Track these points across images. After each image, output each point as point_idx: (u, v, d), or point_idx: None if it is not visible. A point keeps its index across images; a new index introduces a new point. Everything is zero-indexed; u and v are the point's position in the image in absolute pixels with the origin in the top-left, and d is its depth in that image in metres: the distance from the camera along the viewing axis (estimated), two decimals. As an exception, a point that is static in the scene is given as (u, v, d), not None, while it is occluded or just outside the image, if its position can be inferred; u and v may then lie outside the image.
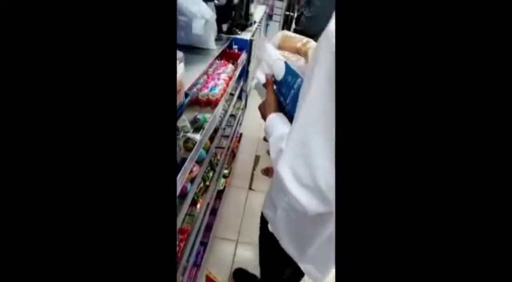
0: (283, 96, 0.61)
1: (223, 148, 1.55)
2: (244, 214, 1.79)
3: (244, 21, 1.86)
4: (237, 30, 1.79)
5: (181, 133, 0.97)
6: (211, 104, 1.16)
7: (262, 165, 2.22)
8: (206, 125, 1.01)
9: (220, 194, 1.67)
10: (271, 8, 3.46)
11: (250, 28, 1.92)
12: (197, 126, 1.00)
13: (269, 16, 3.60)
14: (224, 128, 1.64)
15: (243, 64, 1.69)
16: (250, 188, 1.98)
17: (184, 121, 0.96)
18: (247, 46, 1.72)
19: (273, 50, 0.69)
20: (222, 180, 1.72)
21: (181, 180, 0.80)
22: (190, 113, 1.08)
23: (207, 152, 1.13)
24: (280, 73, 0.62)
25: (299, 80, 0.55)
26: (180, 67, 0.74)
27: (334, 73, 0.33)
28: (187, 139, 0.89)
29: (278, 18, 3.66)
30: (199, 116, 1.02)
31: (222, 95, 1.18)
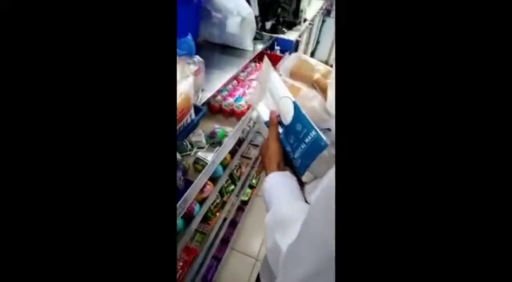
0: (291, 147, 0.46)
1: (250, 158, 1.42)
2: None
3: (293, 19, 1.68)
4: (283, 29, 1.62)
5: (194, 150, 0.87)
6: (235, 115, 1.03)
7: (296, 176, 2.04)
8: (225, 141, 0.89)
9: (243, 206, 1.56)
10: (331, 3, 3.14)
11: (298, 27, 1.73)
12: (214, 141, 0.89)
13: (327, 12, 3.29)
14: (253, 138, 1.51)
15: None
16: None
17: (199, 136, 0.86)
18: (291, 47, 1.54)
19: (278, 81, 0.51)
20: (248, 190, 1.61)
21: (183, 206, 0.70)
22: (208, 125, 0.98)
23: (225, 167, 1.02)
24: (287, 116, 0.47)
25: (312, 133, 0.42)
26: (188, 79, 0.62)
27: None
28: (197, 160, 0.79)
29: (337, 13, 3.32)
30: (218, 130, 0.90)
31: (249, 107, 1.04)
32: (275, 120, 0.49)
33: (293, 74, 0.57)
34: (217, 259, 1.31)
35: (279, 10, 1.55)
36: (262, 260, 0.71)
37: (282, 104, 0.48)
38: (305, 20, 1.80)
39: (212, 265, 1.27)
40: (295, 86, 0.54)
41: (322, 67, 0.56)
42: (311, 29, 2.18)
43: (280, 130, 0.49)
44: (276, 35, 1.50)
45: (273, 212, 0.42)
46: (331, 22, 3.38)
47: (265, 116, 0.51)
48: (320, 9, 2.51)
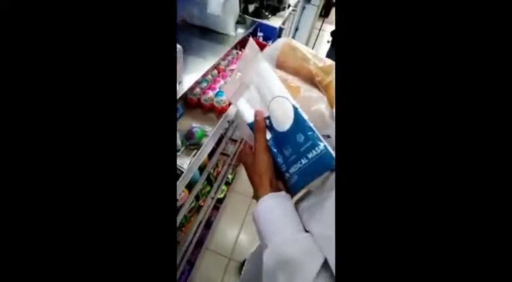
0: (285, 159, 0.38)
1: (228, 155, 1.32)
2: (243, 228, 1.59)
3: (277, 3, 1.54)
4: (266, 14, 1.48)
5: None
6: (215, 111, 0.91)
7: (272, 170, 1.98)
8: (204, 142, 0.77)
9: (219, 204, 1.47)
10: (311, -12, 3.02)
11: (282, 13, 1.61)
12: (191, 143, 0.77)
13: (307, -1, 3.17)
14: (232, 133, 1.40)
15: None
16: (254, 197, 1.76)
17: (173, 136, 0.73)
18: (274, 35, 1.43)
19: (271, 75, 0.40)
20: (224, 187, 1.52)
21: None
22: (184, 122, 0.85)
23: (202, 171, 0.90)
24: (283, 122, 0.37)
25: (320, 148, 0.35)
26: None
27: None
28: (171, 167, 0.67)
29: (317, 1, 3.22)
30: (196, 129, 0.78)
31: (231, 103, 0.92)
32: (263, 125, 0.39)
33: (281, 64, 0.46)
34: (190, 263, 1.22)
35: (264, -7, 1.41)
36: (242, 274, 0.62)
37: (276, 105, 0.38)
38: (288, 6, 1.68)
39: (184, 271, 1.18)
40: (292, 86, 0.43)
41: (317, 60, 0.46)
42: (294, 15, 2.07)
43: (268, 136, 0.39)
44: (259, 20, 1.37)
45: (274, 251, 0.34)
46: (310, 9, 3.28)
47: (248, 117, 0.40)
48: (302, -5, 2.40)
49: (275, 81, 0.39)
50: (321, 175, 0.35)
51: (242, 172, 1.87)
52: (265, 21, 1.41)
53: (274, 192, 0.37)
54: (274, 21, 1.48)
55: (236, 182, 1.76)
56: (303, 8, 3.23)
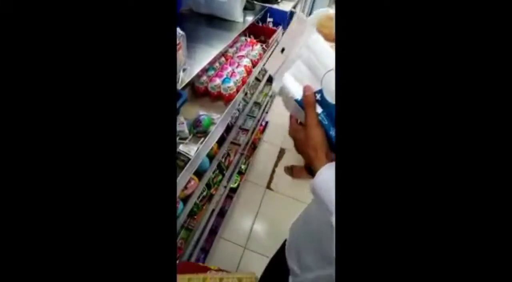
0: None
1: (239, 144, 1.31)
2: (257, 218, 1.59)
3: (287, -14, 1.48)
4: (276, -2, 1.43)
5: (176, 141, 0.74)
6: (223, 99, 0.90)
7: (286, 161, 1.95)
8: (212, 130, 0.77)
9: (232, 193, 1.47)
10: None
11: (293, -4, 1.54)
12: (198, 131, 0.77)
13: (322, -19, 3.04)
14: (242, 123, 1.39)
15: (277, 43, 1.37)
16: (268, 187, 1.76)
17: (181, 125, 0.73)
18: (285, 19, 1.38)
19: (326, 47, 0.39)
20: (237, 177, 1.52)
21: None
22: (192, 111, 0.84)
23: (212, 159, 0.90)
24: None
25: None
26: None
27: None
28: (178, 155, 0.66)
29: (331, -16, 3.07)
30: (203, 117, 0.77)
31: (238, 89, 0.91)
32: (313, 100, 0.39)
33: (324, 37, 0.44)
34: (205, 251, 1.24)
35: (273, -25, 1.35)
36: (287, 242, 0.64)
37: (330, 78, 0.38)
38: (300, -12, 1.61)
39: (199, 258, 1.20)
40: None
41: None
42: (305, 0, 1.99)
43: (319, 110, 0.39)
44: (268, 5, 1.32)
45: None
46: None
47: (296, 93, 0.40)
48: (315, -23, 2.29)
49: (328, 53, 0.38)
50: None
51: (255, 162, 1.86)
52: (274, 6, 1.36)
53: (330, 163, 0.39)
54: (285, 5, 1.42)
55: (250, 171, 1.76)
56: (317, -8, 3.10)
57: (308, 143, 0.40)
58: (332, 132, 0.38)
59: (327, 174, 0.38)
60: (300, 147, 0.43)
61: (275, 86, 0.43)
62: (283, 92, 0.42)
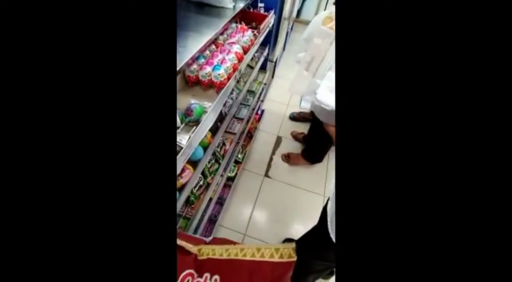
0: None
1: (234, 133, 1.31)
2: (256, 205, 1.61)
3: (277, -31, 1.44)
4: (266, -18, 1.39)
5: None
6: (214, 87, 0.89)
7: (283, 149, 1.96)
8: (203, 118, 0.77)
9: (229, 182, 1.49)
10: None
11: (284, -21, 1.50)
12: (190, 120, 0.76)
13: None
14: (237, 111, 1.38)
15: (269, 29, 1.34)
16: (266, 175, 1.77)
17: (171, 113, 0.72)
18: (276, 5, 1.35)
19: None
20: (234, 166, 1.53)
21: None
22: (183, 100, 0.84)
23: (206, 148, 0.90)
24: None
25: None
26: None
27: None
28: (169, 143, 0.67)
29: (325, -34, 2.99)
30: (194, 105, 0.77)
31: (230, 76, 0.90)
32: None
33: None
34: (205, 239, 1.27)
35: (262, -43, 1.31)
36: (329, 214, 0.65)
37: None
38: (291, -29, 1.57)
39: (199, 246, 1.22)
40: None
41: None
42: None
43: None
44: (259, -10, 1.29)
45: None
46: (319, -24, 3.06)
47: (333, 104, 0.41)
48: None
49: None
50: None
51: (253, 151, 1.87)
52: (265, -10, 1.33)
53: None
54: (275, -10, 1.39)
55: (247, 160, 1.77)
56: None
57: None
58: None
59: None
60: None
61: (305, 102, 0.44)
62: (316, 106, 0.43)
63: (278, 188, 1.72)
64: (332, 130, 0.47)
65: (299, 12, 3.31)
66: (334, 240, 0.62)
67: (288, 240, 1.44)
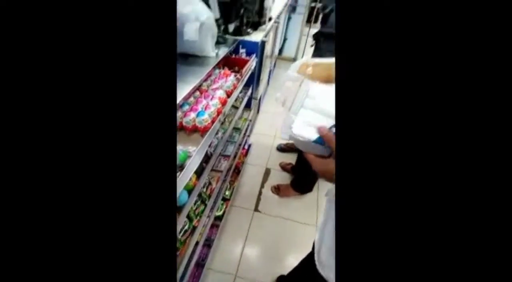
0: None
1: (221, 171, 1.32)
2: (247, 242, 1.57)
3: (257, 18, 1.58)
4: (248, 30, 1.52)
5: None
6: (199, 131, 0.93)
7: (272, 180, 1.97)
8: (188, 163, 0.79)
9: (217, 221, 1.46)
10: (295, -1, 3.10)
11: (263, 27, 1.64)
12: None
13: (293, 8, 3.24)
14: (223, 149, 1.41)
15: (251, 72, 1.44)
16: (256, 210, 1.75)
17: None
18: (257, 49, 1.46)
19: (325, 90, 0.45)
20: (221, 204, 1.51)
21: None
22: (168, 147, 0.86)
23: (190, 191, 0.91)
24: None
25: None
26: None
27: None
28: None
29: (302, 10, 3.29)
30: (178, 151, 0.79)
31: (214, 120, 0.94)
32: (331, 135, 0.44)
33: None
34: (192, 285, 1.21)
35: (242, 10, 1.44)
36: (316, 253, 0.64)
37: None
38: (270, 19, 1.72)
39: (186, 293, 1.16)
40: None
41: None
42: (277, 27, 2.11)
43: None
44: (240, 38, 1.40)
45: None
46: (297, 18, 3.34)
47: (312, 135, 0.45)
48: (285, 6, 2.45)
49: (328, 92, 0.44)
50: None
51: (241, 186, 1.87)
52: (246, 38, 1.44)
53: None
54: (256, 36, 1.51)
55: (235, 196, 1.76)
56: (289, 18, 3.29)
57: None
58: None
59: None
60: (328, 177, 0.47)
61: (284, 134, 0.48)
62: (295, 138, 0.48)
63: (269, 222, 1.69)
64: (309, 157, 0.51)
65: (281, 50, 3.55)
66: (321, 273, 0.62)
67: (281, 277, 1.39)
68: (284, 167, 2.06)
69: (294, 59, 3.59)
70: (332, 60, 0.49)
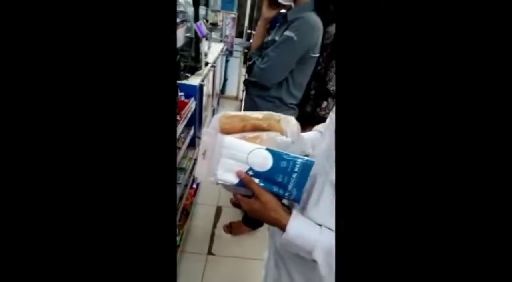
0: (280, 185, 0.51)
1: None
2: (201, 291, 1.46)
3: (193, 63, 1.69)
4: (186, 74, 1.60)
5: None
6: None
7: (225, 218, 1.93)
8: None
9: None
10: (231, 45, 3.40)
11: (201, 71, 1.75)
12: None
13: (229, 53, 3.54)
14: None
15: (191, 113, 1.48)
16: (209, 253, 1.67)
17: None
18: (195, 92, 1.53)
19: (237, 141, 0.52)
20: (171, 252, 1.40)
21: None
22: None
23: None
24: (266, 163, 0.51)
25: (299, 161, 0.49)
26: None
27: None
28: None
29: (239, 54, 3.61)
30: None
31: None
32: (249, 177, 0.50)
33: (228, 132, 0.56)
34: None
35: (178, 57, 1.53)
36: None
37: (253, 157, 0.50)
38: (206, 64, 1.85)
39: None
40: (252, 137, 0.54)
41: (253, 115, 0.58)
42: (214, 70, 2.26)
43: (256, 181, 0.51)
44: (178, 82, 1.46)
45: (324, 248, 0.46)
46: (234, 61, 3.64)
47: (233, 179, 0.52)
48: (221, 51, 2.67)
49: (241, 143, 0.51)
50: (308, 175, 0.49)
51: (192, 228, 1.78)
52: (184, 81, 1.51)
53: (291, 215, 0.50)
54: (194, 80, 1.60)
55: (186, 241, 1.66)
56: (227, 60, 3.57)
57: (266, 207, 0.50)
58: (275, 189, 0.51)
59: (296, 224, 0.48)
60: (260, 214, 0.51)
61: (213, 180, 0.53)
62: (220, 183, 0.53)
63: (224, 264, 1.62)
64: (239, 198, 0.58)
65: (223, 89, 3.75)
66: None
67: None
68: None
69: (236, 98, 3.82)
70: (246, 112, 0.58)
